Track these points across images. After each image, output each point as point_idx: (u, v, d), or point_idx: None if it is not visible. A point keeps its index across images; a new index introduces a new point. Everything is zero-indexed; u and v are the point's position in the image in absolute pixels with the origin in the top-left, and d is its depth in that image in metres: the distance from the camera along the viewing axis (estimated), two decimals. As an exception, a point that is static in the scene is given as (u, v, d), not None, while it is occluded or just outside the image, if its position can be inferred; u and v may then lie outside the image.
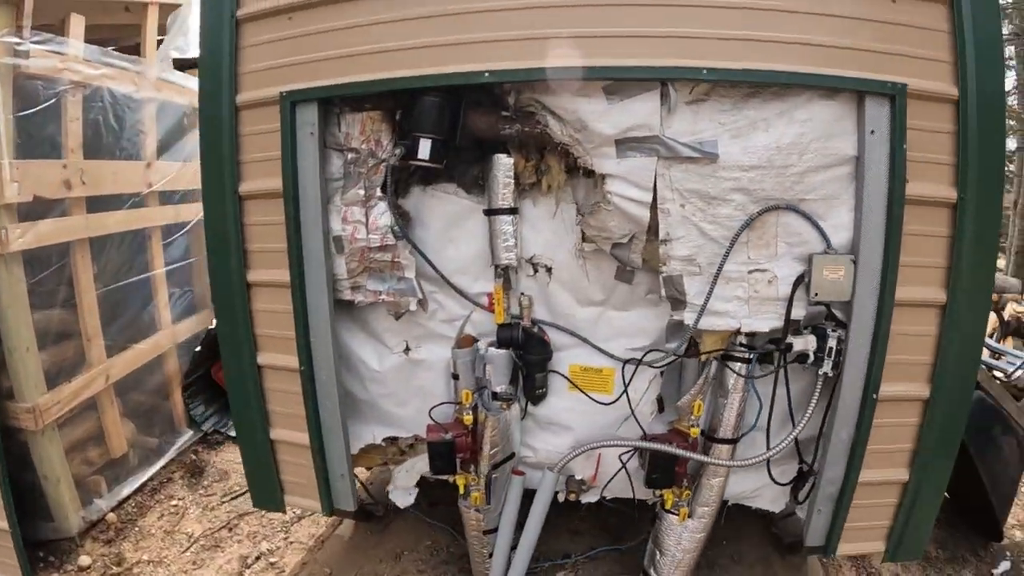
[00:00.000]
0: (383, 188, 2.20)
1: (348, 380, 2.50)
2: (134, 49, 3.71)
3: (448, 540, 2.90)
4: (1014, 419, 3.19)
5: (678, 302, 2.11)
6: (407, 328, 2.44)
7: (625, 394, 2.30)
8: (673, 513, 2.37)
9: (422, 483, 2.77)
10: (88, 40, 3.23)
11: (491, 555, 2.50)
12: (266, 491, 2.56)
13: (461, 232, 2.30)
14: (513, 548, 2.46)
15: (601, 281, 2.28)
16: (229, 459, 3.83)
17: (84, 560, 3.01)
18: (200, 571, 2.94)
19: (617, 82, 1.94)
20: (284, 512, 2.82)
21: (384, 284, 2.32)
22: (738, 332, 2.14)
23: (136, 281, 3.57)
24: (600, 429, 2.40)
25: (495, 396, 2.29)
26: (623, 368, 2.29)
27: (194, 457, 3.84)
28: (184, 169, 3.83)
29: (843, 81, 1.90)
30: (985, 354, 4.81)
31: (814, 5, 1.86)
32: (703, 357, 2.20)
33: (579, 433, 2.41)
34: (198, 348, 3.86)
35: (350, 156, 2.24)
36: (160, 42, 3.75)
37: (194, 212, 3.96)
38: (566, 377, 2.38)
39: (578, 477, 2.50)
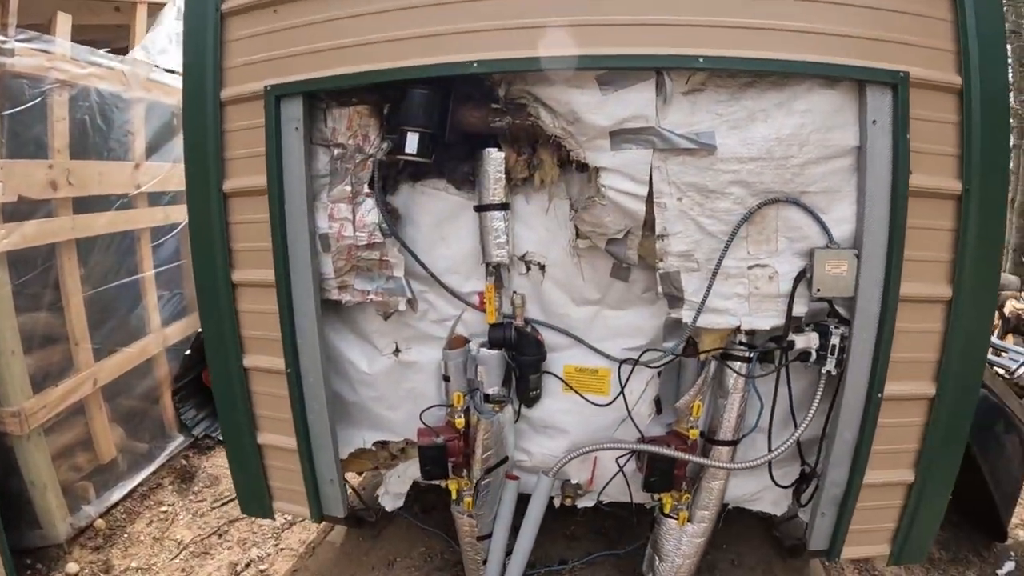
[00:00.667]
0: (371, 184, 2.15)
1: (337, 383, 2.44)
2: (125, 51, 3.67)
3: (442, 546, 2.83)
4: (1017, 417, 3.13)
5: (676, 299, 2.05)
6: (397, 329, 2.38)
7: (622, 395, 2.24)
8: (672, 517, 2.30)
9: (415, 489, 2.72)
10: (79, 42, 3.19)
11: (485, 562, 2.44)
12: (254, 497, 2.50)
13: (451, 230, 2.24)
14: (508, 554, 2.40)
15: (596, 279, 2.22)
16: (220, 464, 3.76)
17: (72, 567, 2.94)
18: (189, 579, 2.87)
19: (611, 72, 1.89)
20: (273, 518, 2.76)
21: (372, 283, 2.26)
22: (738, 330, 2.08)
23: (124, 283, 3.51)
24: (596, 432, 2.34)
25: (487, 398, 2.23)
26: (619, 368, 2.23)
27: (184, 462, 3.78)
28: (173, 170, 3.78)
29: (843, 69, 1.85)
30: (988, 352, 4.77)
31: (813, -9, 1.81)
32: (702, 356, 2.13)
33: (575, 436, 2.35)
34: (188, 352, 3.80)
35: (336, 152, 2.18)
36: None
37: (183, 214, 3.89)
38: (560, 378, 2.31)
39: (574, 481, 2.44)
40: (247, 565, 2.93)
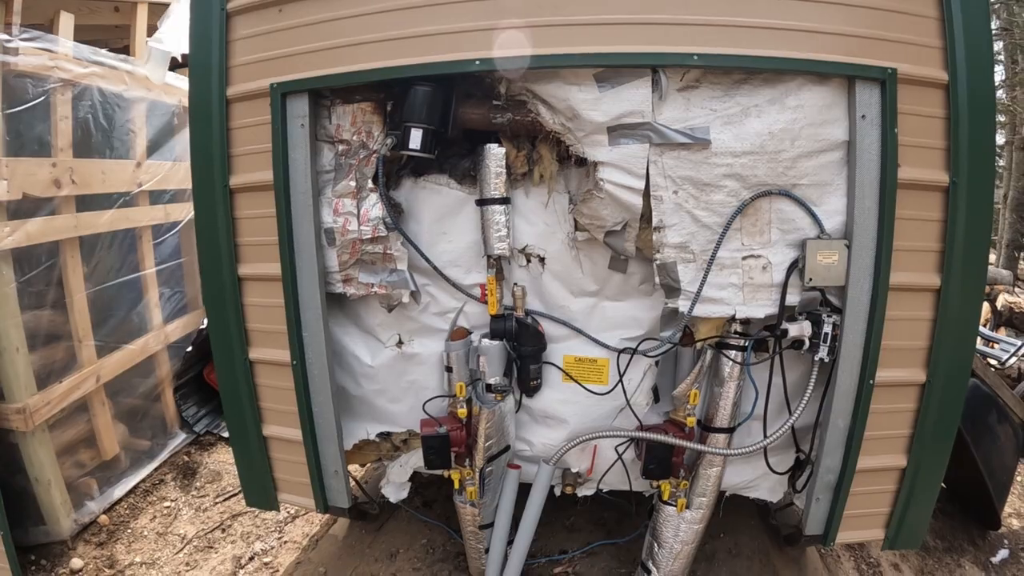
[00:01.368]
0: (374, 180, 2.19)
1: (341, 376, 2.48)
2: (125, 51, 3.69)
3: (444, 538, 2.87)
4: (1010, 407, 3.19)
5: (672, 290, 2.10)
6: (400, 322, 2.42)
7: (620, 384, 2.29)
8: (671, 504, 2.35)
9: (417, 483, 2.75)
10: (79, 42, 3.21)
11: (487, 550, 2.47)
12: (259, 489, 2.53)
13: (453, 224, 2.28)
14: (509, 543, 2.44)
15: (595, 272, 2.27)
16: (222, 460, 3.78)
17: (76, 563, 2.96)
18: (193, 572, 2.90)
19: (608, 69, 1.94)
20: (278, 511, 2.79)
21: (376, 276, 2.30)
22: (733, 319, 2.13)
23: (126, 281, 3.53)
24: (596, 421, 2.39)
25: (489, 388, 2.27)
26: (617, 358, 2.28)
27: (187, 458, 3.79)
28: (174, 168, 3.80)
29: (833, 66, 1.91)
30: (979, 343, 4.84)
31: (804, -10, 1.86)
32: (698, 345, 2.18)
33: (575, 426, 2.40)
34: (189, 349, 3.82)
35: (341, 148, 2.22)
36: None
37: (184, 211, 3.93)
38: (560, 368, 2.36)
39: (574, 470, 2.48)
40: (251, 558, 2.95)
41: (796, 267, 2.04)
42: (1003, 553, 3.20)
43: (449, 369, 2.32)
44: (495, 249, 2.16)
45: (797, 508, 2.51)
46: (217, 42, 2.19)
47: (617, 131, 1.98)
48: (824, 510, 2.28)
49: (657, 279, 2.11)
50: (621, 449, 2.38)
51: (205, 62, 2.21)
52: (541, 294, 2.33)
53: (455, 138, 2.18)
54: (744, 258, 2.05)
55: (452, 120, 2.12)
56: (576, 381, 2.34)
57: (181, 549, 3.05)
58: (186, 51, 2.39)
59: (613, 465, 2.40)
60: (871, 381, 2.08)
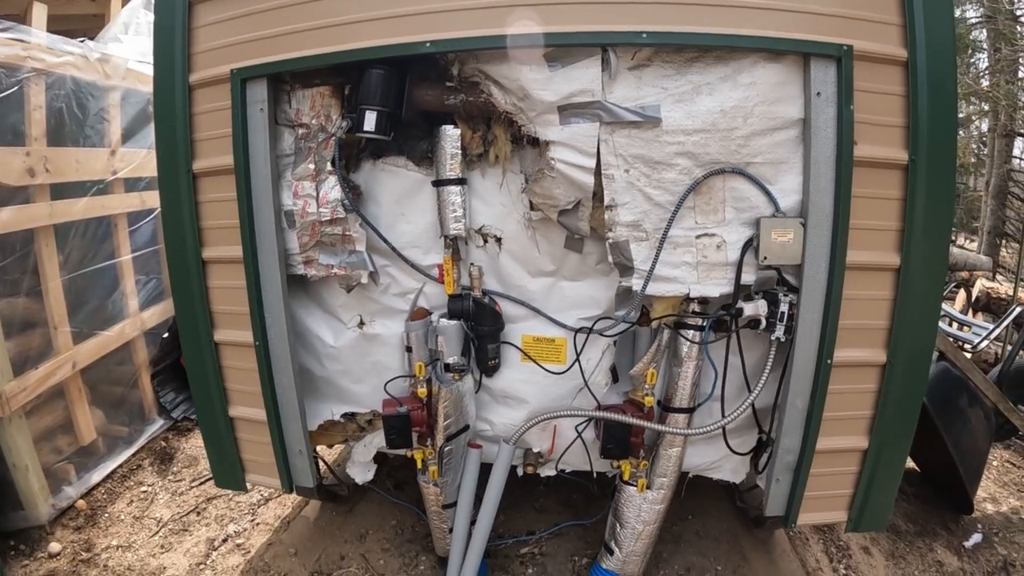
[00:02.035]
0: (333, 163, 2.20)
1: (304, 357, 2.50)
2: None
3: (413, 520, 2.90)
4: (981, 390, 3.17)
5: (626, 268, 2.10)
6: (361, 303, 2.43)
7: (577, 364, 2.29)
8: (631, 484, 2.36)
9: (387, 466, 2.77)
10: (55, 32, 3.22)
11: (451, 530, 2.49)
12: (228, 470, 2.56)
13: (412, 205, 2.29)
14: (473, 522, 2.45)
15: (551, 251, 2.27)
16: (198, 445, 3.81)
17: (54, 547, 3.00)
18: (168, 554, 2.93)
19: (558, 49, 1.93)
20: (246, 491, 2.82)
21: (336, 258, 2.31)
22: (689, 298, 2.13)
23: (102, 268, 3.55)
24: (556, 401, 2.40)
25: (447, 368, 2.29)
26: (574, 337, 2.28)
27: (164, 444, 3.83)
28: (149, 156, 3.81)
29: (787, 43, 1.89)
30: (953, 327, 4.82)
31: (756, -34, 1.85)
32: (654, 324, 2.19)
33: (534, 405, 2.41)
34: (165, 335, 3.84)
35: (300, 132, 2.23)
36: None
37: (159, 200, 3.93)
38: (519, 348, 2.37)
39: (535, 450, 2.50)
40: (224, 540, 2.98)
41: (751, 246, 2.03)
42: (976, 538, 3.20)
43: (409, 349, 2.33)
44: (451, 229, 2.17)
45: (763, 490, 2.51)
46: (180, 30, 2.20)
47: (568, 110, 1.97)
48: (784, 491, 2.28)
49: (610, 258, 2.11)
50: (581, 429, 2.38)
51: (168, 50, 2.23)
52: (499, 274, 2.34)
53: (413, 120, 2.18)
54: (698, 236, 2.05)
55: (406, 102, 2.12)
56: (534, 361, 2.35)
57: (156, 532, 3.08)
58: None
59: (571, 445, 2.41)
60: (829, 361, 2.07)
